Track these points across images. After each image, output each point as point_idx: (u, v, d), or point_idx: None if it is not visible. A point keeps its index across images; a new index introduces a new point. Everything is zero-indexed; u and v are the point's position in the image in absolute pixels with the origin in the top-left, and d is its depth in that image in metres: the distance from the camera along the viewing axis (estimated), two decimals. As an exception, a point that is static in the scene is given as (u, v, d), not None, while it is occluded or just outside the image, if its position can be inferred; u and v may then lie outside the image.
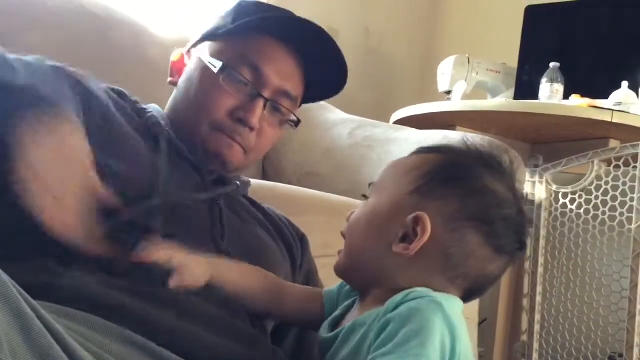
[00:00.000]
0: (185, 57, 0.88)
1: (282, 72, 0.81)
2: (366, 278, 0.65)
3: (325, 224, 1.19)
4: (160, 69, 1.12)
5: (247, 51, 0.80)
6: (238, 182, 0.86)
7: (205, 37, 0.86)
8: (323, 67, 0.84)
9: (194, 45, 0.87)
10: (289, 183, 1.54)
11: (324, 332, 0.67)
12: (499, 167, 0.67)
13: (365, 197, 0.70)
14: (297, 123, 0.86)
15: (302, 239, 0.93)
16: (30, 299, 0.44)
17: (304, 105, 1.88)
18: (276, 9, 0.89)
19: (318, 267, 0.96)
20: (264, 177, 1.75)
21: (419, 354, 0.54)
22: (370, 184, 0.70)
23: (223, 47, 0.82)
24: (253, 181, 1.15)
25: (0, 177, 0.64)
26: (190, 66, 0.85)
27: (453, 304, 0.61)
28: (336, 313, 0.69)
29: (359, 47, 2.88)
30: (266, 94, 0.80)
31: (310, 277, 0.92)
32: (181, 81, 0.86)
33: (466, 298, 0.66)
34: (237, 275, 0.72)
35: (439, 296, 0.59)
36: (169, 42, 1.49)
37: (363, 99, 2.84)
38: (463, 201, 0.63)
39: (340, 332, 0.63)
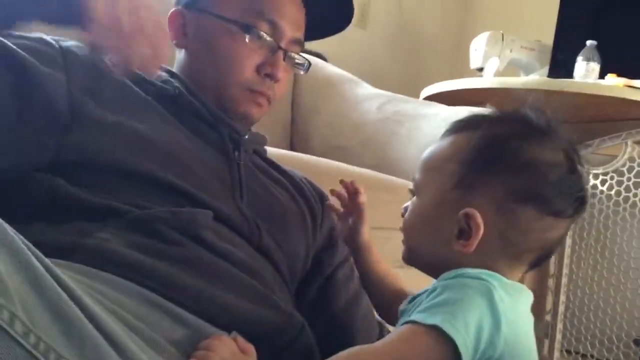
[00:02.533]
0: (185, 14, 0.85)
1: (294, 22, 0.84)
2: (432, 267, 0.65)
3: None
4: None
5: (262, 7, 0.82)
6: (247, 136, 0.86)
7: None
8: (328, 4, 0.87)
9: (194, 2, 0.84)
10: (316, 156, 1.55)
11: (402, 305, 0.68)
12: (538, 128, 0.63)
13: (412, 191, 0.69)
14: (308, 66, 0.89)
15: (322, 197, 0.93)
16: (41, 255, 0.45)
17: (332, 80, 1.88)
18: None
19: (344, 238, 0.97)
20: (291, 149, 1.76)
21: (446, 319, 0.54)
22: (413, 179, 0.69)
23: (237, 3, 0.82)
24: (282, 152, 1.16)
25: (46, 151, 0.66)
26: (203, 27, 0.83)
27: (514, 299, 0.59)
28: (419, 292, 0.70)
29: (391, 21, 2.85)
30: (282, 45, 0.83)
31: (332, 234, 0.92)
32: (196, 44, 0.84)
33: (535, 264, 0.66)
34: None
35: (498, 285, 0.58)
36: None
37: (393, 73, 2.82)
38: (509, 184, 0.61)
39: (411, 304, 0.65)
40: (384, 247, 1.15)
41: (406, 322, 0.57)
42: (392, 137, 1.61)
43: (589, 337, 1.77)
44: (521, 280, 1.96)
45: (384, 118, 1.66)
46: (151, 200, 0.67)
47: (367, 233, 0.82)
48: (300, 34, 0.86)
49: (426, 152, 0.69)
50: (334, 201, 0.87)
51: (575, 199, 0.62)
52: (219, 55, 0.81)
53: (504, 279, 0.61)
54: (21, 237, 0.44)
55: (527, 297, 0.63)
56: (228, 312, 0.63)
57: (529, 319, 0.62)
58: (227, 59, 0.81)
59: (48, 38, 0.74)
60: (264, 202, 0.80)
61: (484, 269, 0.61)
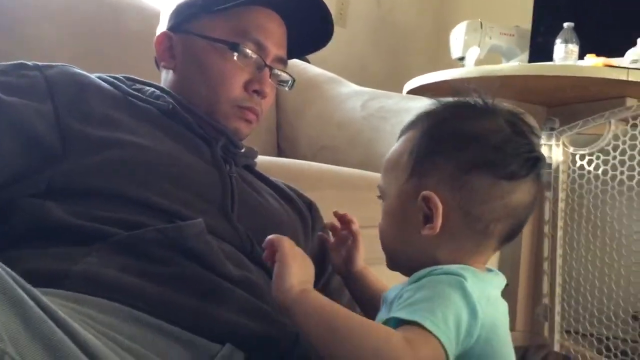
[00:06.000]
0: (172, 36, 0.87)
1: (277, 41, 0.87)
2: (414, 266, 0.66)
3: (339, 197, 1.20)
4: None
5: (247, 27, 0.84)
6: (243, 150, 0.88)
7: (193, 15, 0.86)
8: (309, 23, 0.89)
9: (180, 24, 0.87)
10: (304, 158, 1.55)
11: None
12: (472, 107, 0.67)
13: (380, 197, 0.71)
14: (292, 83, 0.92)
15: (311, 206, 0.95)
16: (30, 288, 0.45)
17: (315, 81, 1.89)
18: None
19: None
20: (279, 153, 1.77)
21: (426, 316, 0.55)
22: (378, 186, 0.72)
23: (222, 24, 0.84)
24: (267, 158, 1.16)
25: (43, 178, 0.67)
26: (192, 48, 0.85)
27: (485, 285, 0.61)
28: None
29: (370, 16, 2.85)
30: (268, 62, 0.86)
31: (323, 243, 0.93)
32: (185, 64, 0.86)
33: (512, 236, 0.67)
34: None
35: (468, 275, 0.60)
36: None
37: (376, 69, 2.83)
38: (455, 159, 0.64)
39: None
40: (378, 246, 1.17)
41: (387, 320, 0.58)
42: (377, 133, 1.61)
43: (587, 317, 1.79)
44: (516, 265, 1.96)
45: (368, 115, 1.67)
46: (140, 220, 0.67)
47: (361, 261, 0.82)
48: (283, 52, 0.88)
49: (384, 158, 0.72)
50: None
51: (526, 160, 0.64)
52: (209, 74, 0.84)
53: (473, 268, 0.63)
54: (9, 270, 0.45)
55: (498, 282, 0.65)
56: (221, 326, 0.63)
57: (502, 304, 0.64)
58: (217, 77, 0.83)
59: (30, 64, 0.75)
60: (256, 214, 0.81)
61: (455, 254, 0.64)
